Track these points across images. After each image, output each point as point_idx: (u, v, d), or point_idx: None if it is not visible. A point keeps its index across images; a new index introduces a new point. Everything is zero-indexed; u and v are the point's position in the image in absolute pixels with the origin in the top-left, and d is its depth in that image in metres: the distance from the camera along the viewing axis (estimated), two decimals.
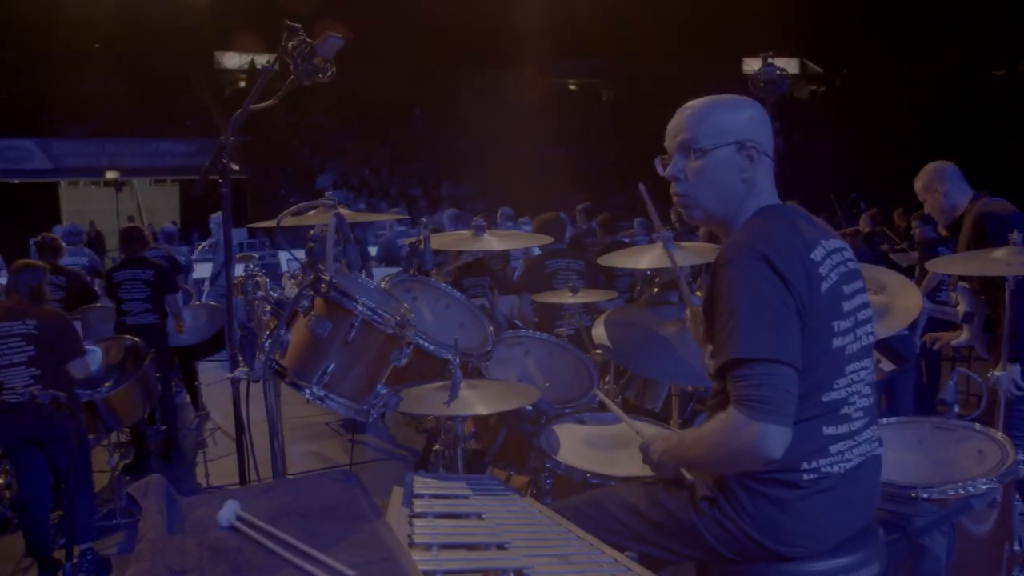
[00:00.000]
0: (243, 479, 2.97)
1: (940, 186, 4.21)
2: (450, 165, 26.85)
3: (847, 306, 1.97)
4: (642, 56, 30.60)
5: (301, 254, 2.44)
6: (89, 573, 4.29)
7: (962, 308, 4.16)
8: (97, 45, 26.59)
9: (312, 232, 2.45)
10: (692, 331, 2.53)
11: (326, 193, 3.21)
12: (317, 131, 27.30)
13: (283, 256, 12.60)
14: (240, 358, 2.58)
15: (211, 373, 7.90)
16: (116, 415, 4.91)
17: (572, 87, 35.61)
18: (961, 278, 4.18)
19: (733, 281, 1.87)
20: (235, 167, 3.07)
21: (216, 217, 9.51)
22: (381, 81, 27.65)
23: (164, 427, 6.27)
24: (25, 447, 4.30)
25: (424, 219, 3.98)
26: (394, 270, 4.22)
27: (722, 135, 2.03)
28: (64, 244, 6.70)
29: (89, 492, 4.66)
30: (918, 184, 4.34)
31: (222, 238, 9.11)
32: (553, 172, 24.31)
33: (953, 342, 4.41)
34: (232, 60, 31.39)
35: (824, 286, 1.90)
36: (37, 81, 24.88)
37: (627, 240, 8.72)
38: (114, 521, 5.00)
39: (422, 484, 2.09)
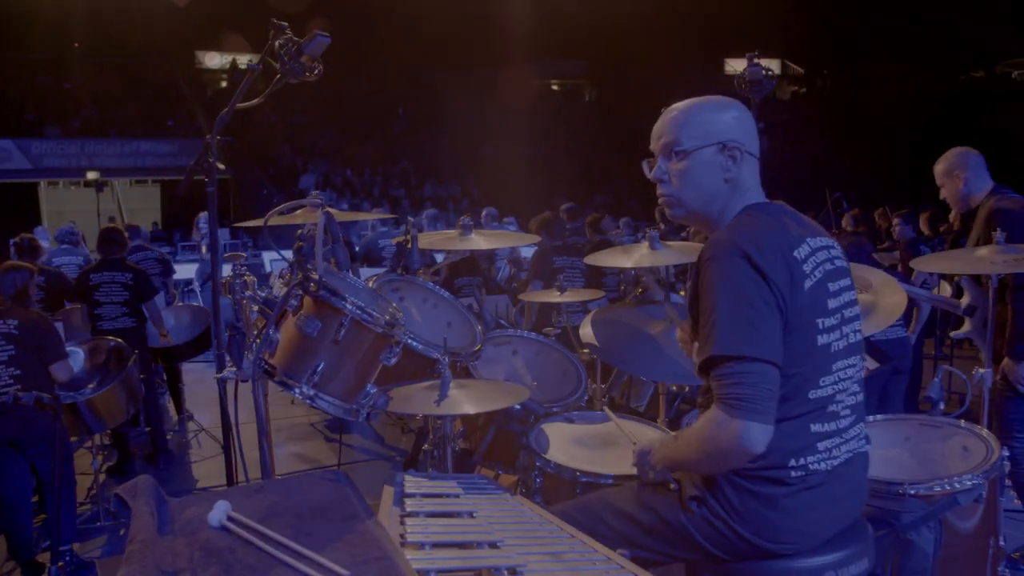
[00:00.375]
0: (230, 480, 2.95)
1: (961, 172, 4.13)
2: (433, 165, 26.81)
3: (832, 303, 1.98)
4: (625, 56, 30.68)
5: (288, 253, 2.43)
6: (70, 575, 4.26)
7: (966, 300, 4.16)
8: (77, 45, 26.35)
9: (301, 231, 2.44)
10: (684, 348, 2.50)
11: (314, 192, 3.20)
12: (300, 131, 27.19)
13: (267, 256, 12.52)
14: (228, 358, 2.56)
15: (194, 374, 7.86)
16: (99, 417, 4.87)
17: (555, 87, 35.65)
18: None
19: (714, 278, 1.89)
20: (221, 166, 3.06)
21: (205, 216, 9.46)
22: (364, 81, 27.57)
23: (148, 429, 6.21)
24: (4, 449, 4.26)
25: (410, 218, 3.98)
26: (377, 270, 4.22)
27: (704, 136, 2.05)
28: (42, 245, 6.65)
29: (71, 494, 4.62)
30: (938, 168, 4.25)
31: (204, 240, 9.00)
32: (537, 172, 24.32)
33: (952, 334, 4.42)
34: (214, 60, 31.20)
35: (808, 283, 1.91)
36: (16, 81, 24.63)
37: (614, 240, 8.73)
38: (98, 523, 4.95)
39: (413, 483, 2.09)
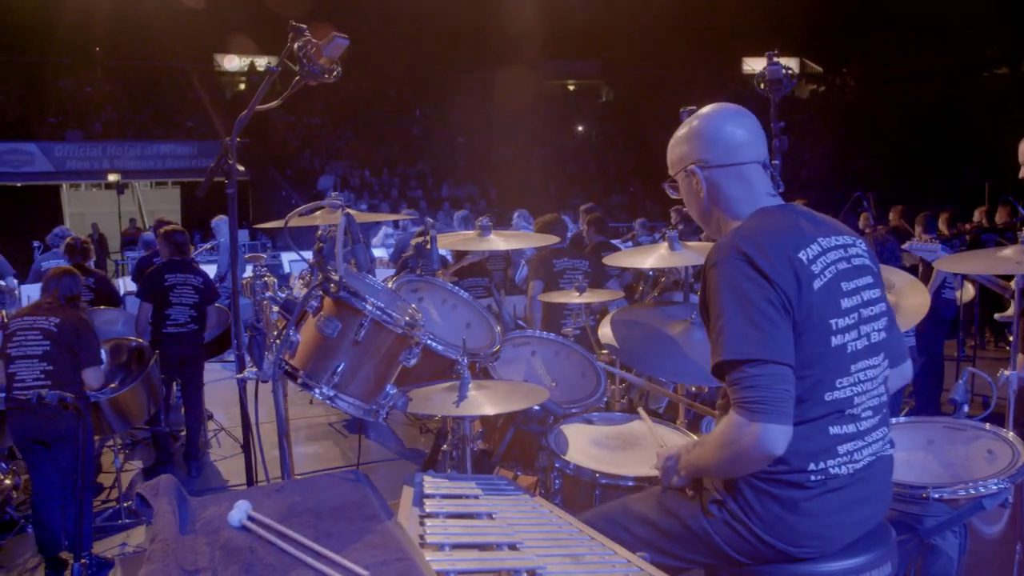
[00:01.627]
0: (250, 480, 2.96)
1: None
2: (450, 166, 26.87)
3: (847, 303, 1.95)
4: (641, 56, 30.60)
5: (308, 254, 2.44)
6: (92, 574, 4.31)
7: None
8: (97, 49, 26.61)
9: (321, 232, 2.44)
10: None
11: (333, 194, 3.21)
12: (317, 132, 27.31)
13: (285, 257, 12.56)
14: (248, 359, 2.57)
15: (212, 374, 7.90)
16: (121, 416, 4.91)
17: (571, 87, 35.62)
18: None
19: (719, 282, 1.90)
20: (241, 168, 3.07)
21: (218, 220, 9.52)
22: (382, 82, 27.69)
23: (171, 431, 6.21)
24: (33, 446, 4.32)
25: (428, 219, 3.98)
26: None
27: (676, 164, 2.19)
28: (92, 247, 6.73)
29: (90, 493, 4.67)
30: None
31: (223, 240, 9.04)
32: (553, 172, 24.33)
33: (997, 316, 4.30)
34: (232, 63, 31.40)
35: (816, 284, 1.90)
36: (39, 85, 24.91)
37: (615, 242, 8.69)
38: (119, 521, 4.99)
39: (432, 484, 2.08)
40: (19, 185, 22.68)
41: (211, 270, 10.24)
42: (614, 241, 8.66)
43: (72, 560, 3.66)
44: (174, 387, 6.56)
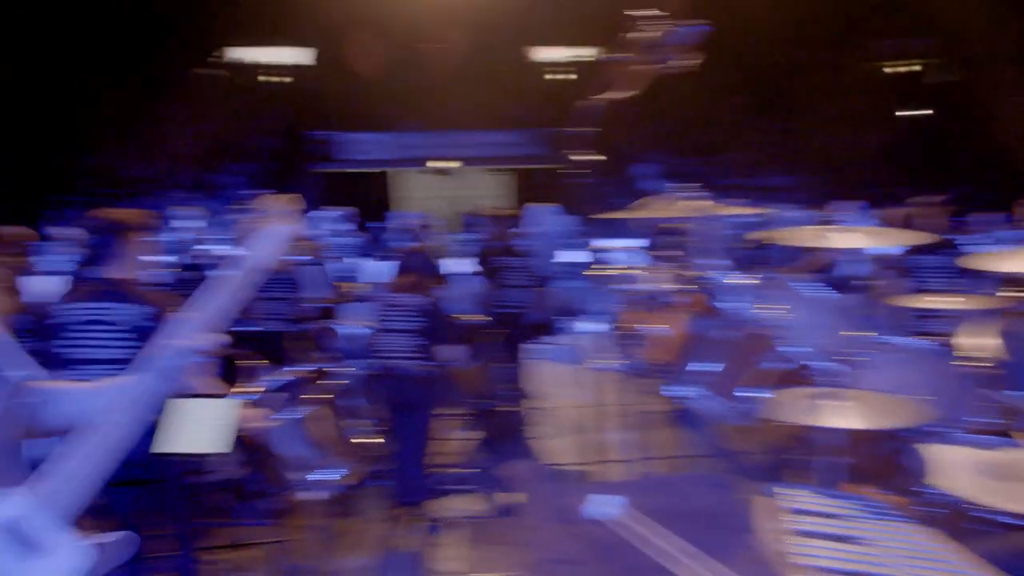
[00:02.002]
0: (578, 462, 3.01)
1: None
2: (769, 154, 25.73)
3: None
4: (982, 33, 27.02)
5: (637, 243, 2.41)
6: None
7: None
8: (438, 44, 28.79)
9: (678, 226, 2.40)
10: None
11: (681, 185, 3.15)
12: (637, 120, 27.38)
13: (617, 245, 12.69)
14: (583, 345, 2.61)
15: (536, 354, 8.17)
16: (462, 390, 5.26)
17: (903, 69, 32.43)
18: None
19: None
20: (589, 157, 3.12)
21: (533, 208, 9.87)
22: (703, 69, 27.08)
23: (506, 408, 6.53)
24: (396, 410, 4.79)
25: (770, 211, 3.78)
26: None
27: None
28: (430, 230, 7.35)
29: (424, 455, 5.06)
30: None
31: (540, 228, 9.32)
32: (880, 162, 22.47)
33: None
34: (561, 53, 32.47)
35: None
36: (376, 79, 27.49)
37: (957, 239, 7.67)
38: (450, 487, 5.32)
39: (794, 497, 1.95)
40: (357, 171, 25.34)
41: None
42: (956, 238, 7.73)
43: (412, 516, 3.95)
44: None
